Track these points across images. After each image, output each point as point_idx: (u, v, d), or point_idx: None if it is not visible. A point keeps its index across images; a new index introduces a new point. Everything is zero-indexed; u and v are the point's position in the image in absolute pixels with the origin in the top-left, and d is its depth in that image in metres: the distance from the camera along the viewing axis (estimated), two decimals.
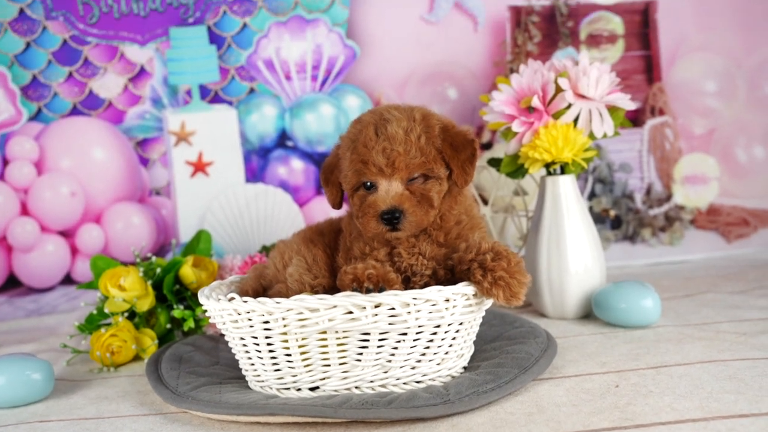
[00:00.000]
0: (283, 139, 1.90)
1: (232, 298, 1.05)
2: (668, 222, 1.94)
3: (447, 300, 1.02)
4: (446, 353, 1.07)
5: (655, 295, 1.33)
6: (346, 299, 0.99)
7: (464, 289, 1.03)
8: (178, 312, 1.40)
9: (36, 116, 1.85)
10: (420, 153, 1.08)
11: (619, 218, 1.94)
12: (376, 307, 1.00)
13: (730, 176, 1.97)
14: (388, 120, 1.10)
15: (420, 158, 1.08)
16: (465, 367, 1.13)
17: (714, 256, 1.94)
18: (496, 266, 1.03)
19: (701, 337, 1.25)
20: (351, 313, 1.00)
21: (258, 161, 1.89)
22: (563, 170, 1.46)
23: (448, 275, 1.10)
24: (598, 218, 1.91)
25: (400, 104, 1.15)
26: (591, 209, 1.91)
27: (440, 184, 1.11)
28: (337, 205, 1.18)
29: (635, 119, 1.93)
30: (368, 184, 1.10)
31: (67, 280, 1.85)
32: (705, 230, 1.96)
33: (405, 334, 1.02)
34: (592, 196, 1.93)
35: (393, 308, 1.00)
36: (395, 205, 1.07)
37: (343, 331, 1.01)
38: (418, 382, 1.06)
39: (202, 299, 1.11)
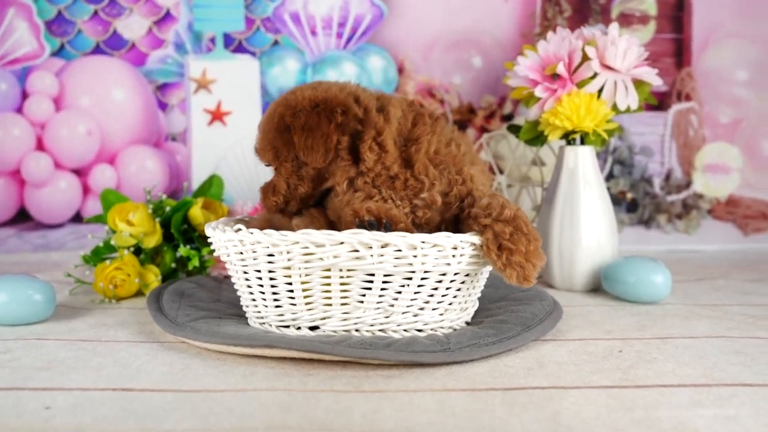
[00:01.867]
0: None
1: (239, 230, 1.04)
2: (685, 209, 1.92)
3: (455, 247, 1.01)
4: (450, 304, 1.06)
5: (665, 271, 1.31)
6: (353, 237, 0.98)
7: (473, 238, 1.02)
8: (184, 250, 1.40)
9: (58, 52, 1.84)
10: (258, 144, 1.15)
11: (635, 201, 1.91)
12: (383, 247, 0.98)
13: (753, 168, 1.94)
14: None
15: (256, 149, 1.16)
16: (467, 322, 1.12)
17: (729, 248, 1.91)
18: (515, 249, 1.00)
19: (710, 315, 1.23)
20: (357, 251, 0.98)
21: None
22: (583, 141, 1.44)
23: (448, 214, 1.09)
24: (615, 200, 1.89)
25: (299, 86, 1.16)
26: (608, 190, 1.88)
27: (279, 173, 1.14)
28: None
29: (661, 103, 1.90)
30: None
31: (77, 218, 1.86)
32: (722, 221, 1.93)
33: (410, 278, 1.01)
34: (610, 177, 1.90)
35: (399, 249, 0.98)
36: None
37: (347, 270, 1.00)
38: (419, 330, 1.05)
39: (208, 231, 1.10)
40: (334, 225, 1.14)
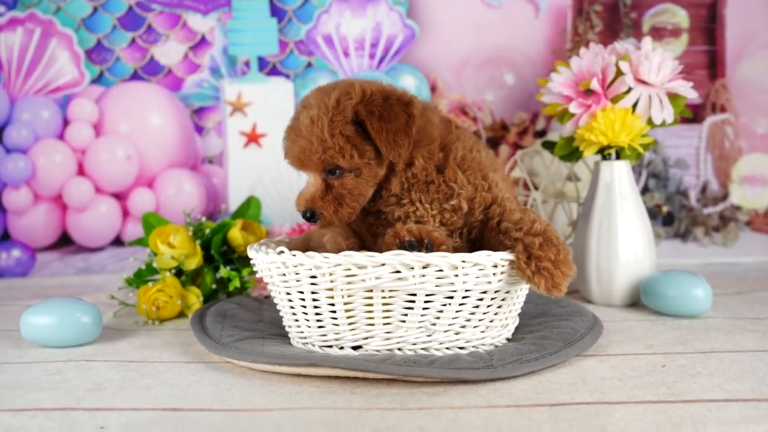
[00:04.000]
0: None
1: (282, 252, 1.06)
2: (723, 222, 1.90)
3: (495, 265, 1.01)
4: (491, 321, 1.06)
5: (706, 285, 1.30)
6: (395, 257, 0.99)
7: (512, 256, 1.02)
8: (224, 271, 1.42)
9: (98, 79, 1.88)
10: (322, 147, 1.04)
11: (671, 215, 1.90)
12: (424, 267, 0.99)
13: None
14: (304, 107, 1.07)
15: (321, 154, 1.04)
16: (509, 339, 1.12)
17: None
18: (543, 255, 1.00)
19: (753, 329, 1.22)
20: (398, 272, 0.99)
21: None
22: (618, 156, 1.44)
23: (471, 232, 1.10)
24: (650, 213, 1.88)
25: (329, 84, 1.10)
26: (644, 204, 1.87)
27: (358, 177, 1.06)
28: None
29: (695, 115, 1.89)
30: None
31: (117, 241, 1.89)
32: (761, 233, 1.91)
33: (451, 297, 1.02)
34: (645, 190, 1.90)
35: (440, 270, 0.99)
36: (307, 206, 1.07)
37: (389, 290, 1.01)
38: (461, 348, 1.05)
39: (251, 253, 1.12)
40: (359, 236, 1.15)
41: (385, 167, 1.08)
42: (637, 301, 1.43)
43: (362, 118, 1.04)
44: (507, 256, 1.02)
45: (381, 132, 1.03)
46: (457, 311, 1.03)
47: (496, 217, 1.08)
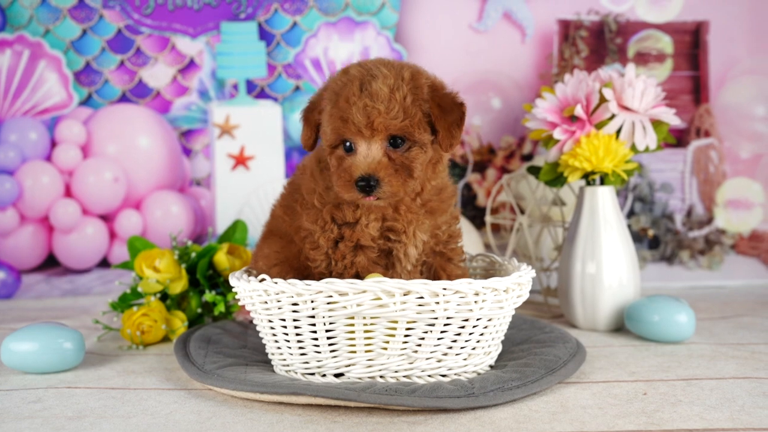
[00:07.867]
0: None
1: (263, 279, 1.06)
2: (708, 245, 1.91)
3: (476, 293, 1.02)
4: (473, 348, 1.06)
5: (689, 310, 1.31)
6: (376, 285, 0.99)
7: (494, 283, 1.03)
8: (209, 296, 1.42)
9: (86, 101, 1.89)
10: (404, 114, 1.02)
11: (657, 238, 1.91)
12: (405, 294, 0.99)
13: None
14: (374, 76, 1.03)
15: (402, 120, 1.02)
16: (491, 366, 1.12)
17: (754, 283, 1.89)
18: None
19: (735, 355, 1.23)
20: (379, 299, 1.00)
21: (298, 158, 1.91)
22: (603, 181, 1.45)
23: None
24: (636, 237, 1.89)
25: (389, 60, 1.08)
26: (629, 227, 1.88)
27: (424, 153, 1.05)
28: (309, 147, 1.11)
29: (680, 140, 1.91)
30: (347, 144, 1.04)
31: (104, 263, 1.88)
32: (746, 256, 1.92)
33: (432, 324, 1.02)
34: (631, 214, 1.91)
35: (421, 297, 1.00)
36: (371, 172, 1.02)
37: (371, 317, 1.01)
38: (443, 375, 1.06)
39: (233, 281, 1.12)
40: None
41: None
42: (622, 326, 1.43)
43: (433, 100, 1.05)
44: (489, 284, 1.02)
45: (440, 120, 1.04)
46: (438, 339, 1.03)
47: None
